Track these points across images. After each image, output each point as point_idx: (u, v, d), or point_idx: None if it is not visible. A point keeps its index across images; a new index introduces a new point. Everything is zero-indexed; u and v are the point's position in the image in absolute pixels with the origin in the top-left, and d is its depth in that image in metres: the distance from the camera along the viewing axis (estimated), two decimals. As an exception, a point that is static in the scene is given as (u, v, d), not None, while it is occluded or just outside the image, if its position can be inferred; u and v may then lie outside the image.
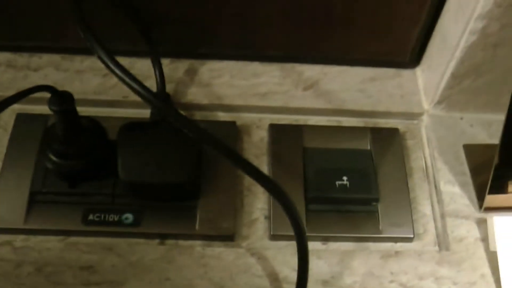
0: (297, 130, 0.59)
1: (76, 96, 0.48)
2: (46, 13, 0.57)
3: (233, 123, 0.59)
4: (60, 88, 0.47)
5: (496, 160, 0.51)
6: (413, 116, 0.61)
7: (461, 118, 0.61)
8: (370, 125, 0.60)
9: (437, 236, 0.55)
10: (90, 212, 0.52)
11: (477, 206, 0.55)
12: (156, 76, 0.56)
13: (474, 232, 0.54)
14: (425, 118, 0.61)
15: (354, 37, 0.60)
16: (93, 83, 0.60)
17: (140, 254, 0.51)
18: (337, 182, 0.55)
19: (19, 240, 0.52)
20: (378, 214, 0.54)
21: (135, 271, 0.50)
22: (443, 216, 0.55)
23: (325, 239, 0.54)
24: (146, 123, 0.54)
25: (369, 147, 0.58)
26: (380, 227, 0.54)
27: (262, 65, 0.62)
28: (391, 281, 0.51)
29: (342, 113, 0.61)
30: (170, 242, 0.53)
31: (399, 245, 0.54)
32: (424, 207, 0.56)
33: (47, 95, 0.47)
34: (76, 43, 0.56)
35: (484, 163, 0.55)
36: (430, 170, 0.58)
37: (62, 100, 0.47)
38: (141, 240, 0.52)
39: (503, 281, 0.51)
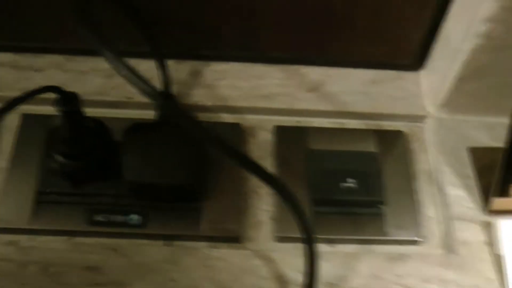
0: (302, 132, 0.59)
1: (79, 97, 0.48)
2: (50, 14, 0.57)
3: (237, 125, 0.59)
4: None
5: (501, 163, 0.51)
6: (417, 118, 0.61)
7: (465, 121, 0.61)
8: (374, 127, 0.60)
9: (442, 239, 0.55)
10: (95, 212, 0.52)
11: (481, 209, 0.55)
12: (160, 78, 0.56)
13: (479, 235, 0.54)
14: (428, 120, 0.61)
15: (358, 39, 0.60)
16: (96, 83, 0.60)
17: (145, 255, 0.51)
18: (342, 184, 0.55)
19: (24, 240, 0.52)
20: (383, 217, 0.54)
21: (139, 272, 0.50)
22: (447, 219, 0.55)
23: (331, 241, 0.54)
24: (151, 124, 0.54)
25: (374, 149, 0.58)
26: (385, 230, 0.54)
27: (266, 67, 0.62)
28: (396, 284, 0.51)
29: (345, 115, 0.61)
30: (175, 243, 0.53)
31: (404, 248, 0.54)
32: (429, 209, 0.56)
33: (52, 95, 0.46)
34: (80, 44, 0.55)
35: (489, 165, 0.55)
36: (434, 172, 0.58)
37: (69, 100, 0.47)
38: (146, 241, 0.52)
39: (510, 284, 0.51)
